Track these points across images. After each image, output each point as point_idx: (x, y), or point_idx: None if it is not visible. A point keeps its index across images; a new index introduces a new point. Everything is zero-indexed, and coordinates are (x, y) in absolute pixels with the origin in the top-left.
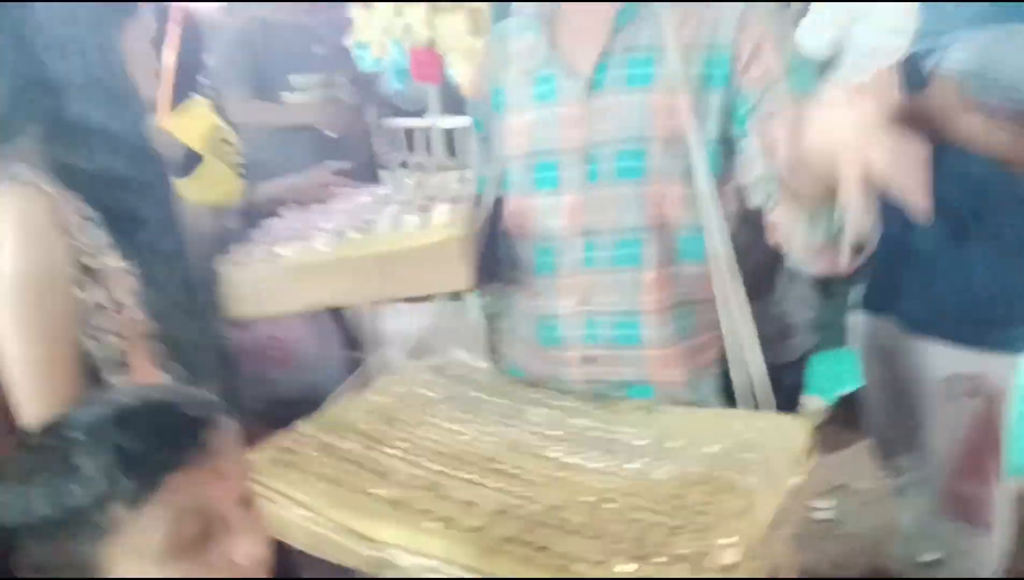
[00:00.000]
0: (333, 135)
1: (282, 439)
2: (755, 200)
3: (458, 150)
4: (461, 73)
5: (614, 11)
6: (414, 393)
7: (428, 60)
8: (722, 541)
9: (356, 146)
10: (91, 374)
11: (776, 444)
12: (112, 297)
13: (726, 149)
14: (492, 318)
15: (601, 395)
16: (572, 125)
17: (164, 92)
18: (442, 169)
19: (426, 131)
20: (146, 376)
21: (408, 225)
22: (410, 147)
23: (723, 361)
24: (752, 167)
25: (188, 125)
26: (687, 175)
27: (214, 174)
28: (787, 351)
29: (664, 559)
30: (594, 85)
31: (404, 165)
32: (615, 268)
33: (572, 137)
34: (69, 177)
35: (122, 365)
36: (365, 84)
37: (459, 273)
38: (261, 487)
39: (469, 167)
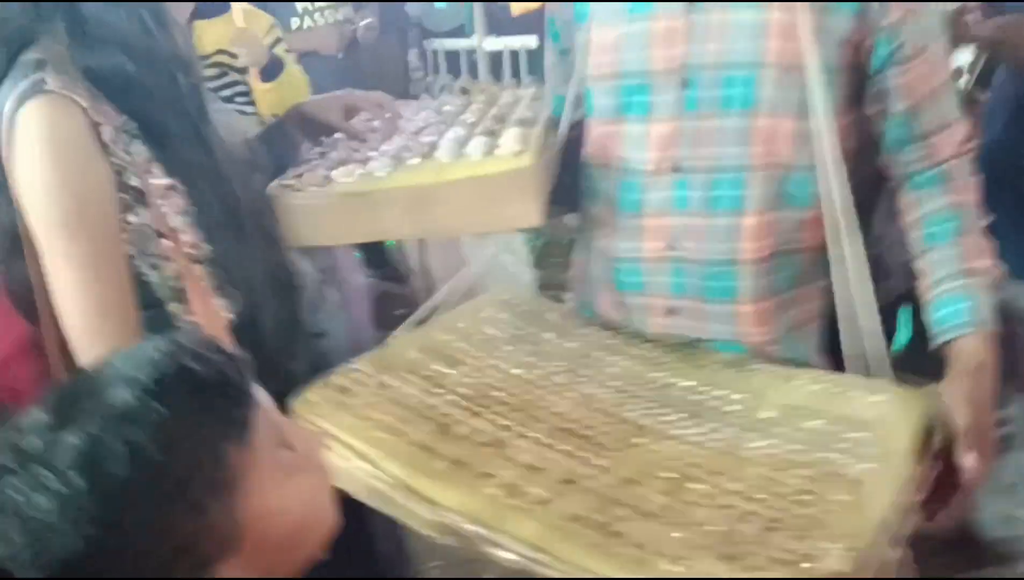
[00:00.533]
0: (338, 55)
1: (339, 377)
2: (887, 141)
3: (504, 73)
4: None
5: None
6: (480, 331)
7: None
8: (827, 545)
9: (389, 74)
10: (152, 304)
11: (891, 423)
12: (162, 219)
13: (846, 79)
14: (561, 255)
15: (686, 346)
16: (669, 43)
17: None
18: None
19: (470, 53)
20: (205, 305)
21: (473, 151)
22: (454, 72)
23: (826, 317)
24: (892, 104)
25: (252, 31)
26: (802, 107)
27: (293, 78)
28: (881, 294)
29: (759, 561)
30: None
31: (448, 90)
32: (711, 210)
33: (669, 56)
34: (99, 84)
35: (181, 294)
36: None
37: (529, 208)
38: (317, 430)
39: (542, 84)
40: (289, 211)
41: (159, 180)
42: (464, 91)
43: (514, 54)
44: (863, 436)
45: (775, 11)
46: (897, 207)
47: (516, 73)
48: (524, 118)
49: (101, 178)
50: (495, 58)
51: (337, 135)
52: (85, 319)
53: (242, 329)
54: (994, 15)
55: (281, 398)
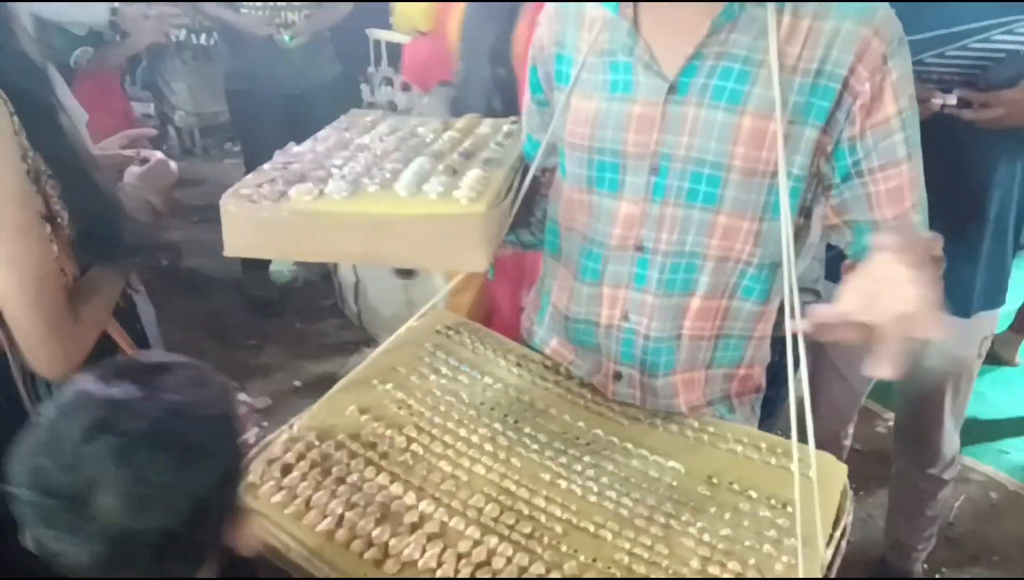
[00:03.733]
0: (287, 44)
1: (279, 448)
2: (836, 240)
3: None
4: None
5: (713, 9)
6: (420, 377)
7: None
8: None
9: (324, 61)
10: None
11: (813, 505)
12: (49, 204)
13: (809, 186)
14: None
15: (628, 406)
16: (645, 128)
17: None
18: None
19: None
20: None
21: (430, 190)
22: (395, 65)
23: (763, 392)
24: (851, 212)
25: None
26: (764, 209)
27: None
28: None
29: None
30: (677, 89)
31: (389, 83)
32: (666, 291)
33: (642, 141)
34: None
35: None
36: None
37: (476, 254)
38: (263, 520)
39: (516, 119)
40: (241, 221)
41: (40, 164)
42: (406, 87)
43: None
44: (785, 524)
45: (747, 117)
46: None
47: None
48: (491, 159)
49: (18, 163)
50: None
51: (302, 147)
52: (25, 298)
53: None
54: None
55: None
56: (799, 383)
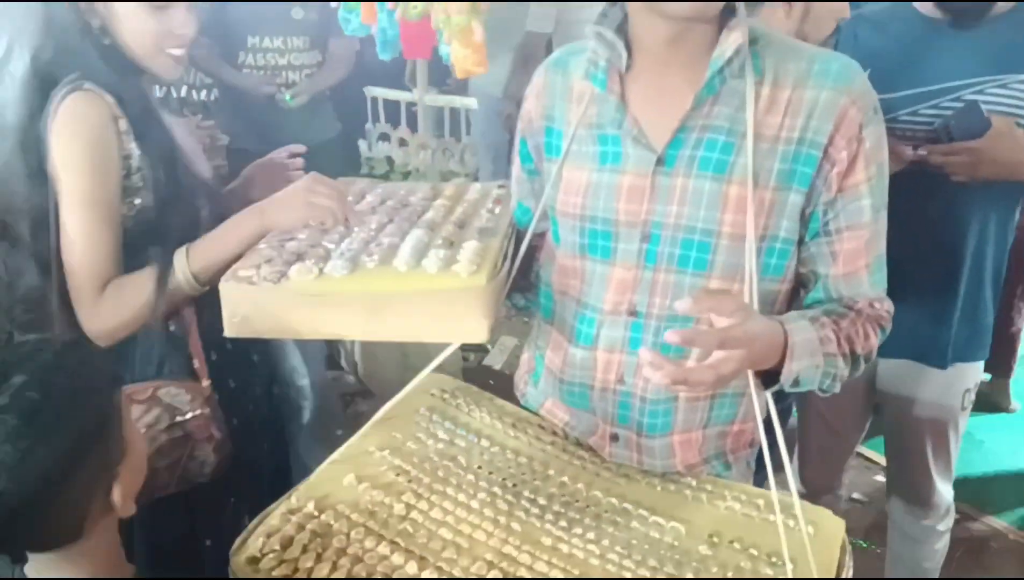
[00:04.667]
0: (288, 103)
1: (278, 520)
2: (809, 293)
3: (444, 130)
4: (453, 52)
5: (697, 82)
6: (417, 442)
7: (420, 35)
8: None
9: (324, 120)
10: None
11: (809, 561)
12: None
13: (798, 249)
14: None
15: (625, 467)
16: (635, 198)
17: None
18: (426, 149)
19: (411, 105)
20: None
21: (431, 263)
22: (392, 121)
23: (757, 446)
24: (814, 265)
25: None
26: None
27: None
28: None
29: None
30: (665, 161)
31: (386, 139)
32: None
33: (633, 211)
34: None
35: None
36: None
37: (477, 325)
38: None
39: (504, 184)
40: (242, 304)
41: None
42: (403, 143)
43: (455, 112)
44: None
45: (733, 185)
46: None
47: (456, 132)
48: (485, 228)
49: (114, 158)
50: (436, 113)
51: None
52: (86, 269)
53: None
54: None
55: None
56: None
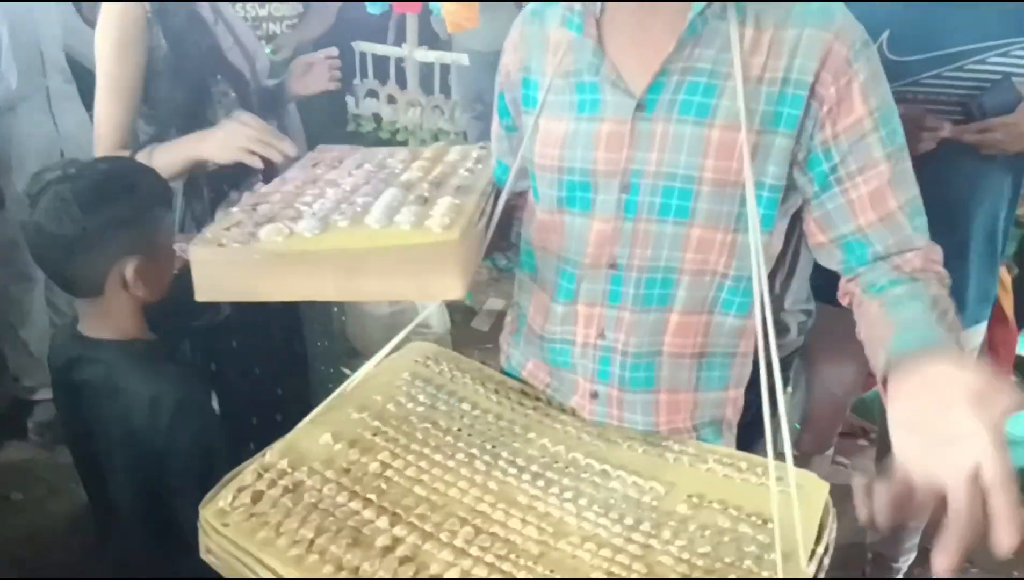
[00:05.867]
0: (271, 57)
1: (250, 476)
2: (827, 261)
3: (433, 86)
4: (444, 6)
5: (678, 25)
6: (397, 405)
7: None
8: None
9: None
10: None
11: (794, 521)
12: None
13: (789, 197)
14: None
15: (608, 430)
16: (614, 146)
17: None
18: (415, 106)
19: (399, 61)
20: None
21: (403, 220)
22: (380, 77)
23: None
24: (836, 227)
25: None
26: (737, 221)
27: None
28: (780, 350)
29: None
30: (645, 106)
31: (374, 95)
32: (642, 307)
33: (612, 159)
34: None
35: None
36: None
37: (452, 282)
38: (234, 548)
39: (485, 145)
40: (211, 266)
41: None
42: (391, 99)
43: (445, 68)
44: (766, 540)
45: (716, 129)
46: (860, 317)
47: (445, 89)
48: (462, 186)
49: (135, 44)
50: (425, 69)
51: (270, 187)
52: (99, 136)
53: None
54: (966, 119)
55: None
56: (772, 396)
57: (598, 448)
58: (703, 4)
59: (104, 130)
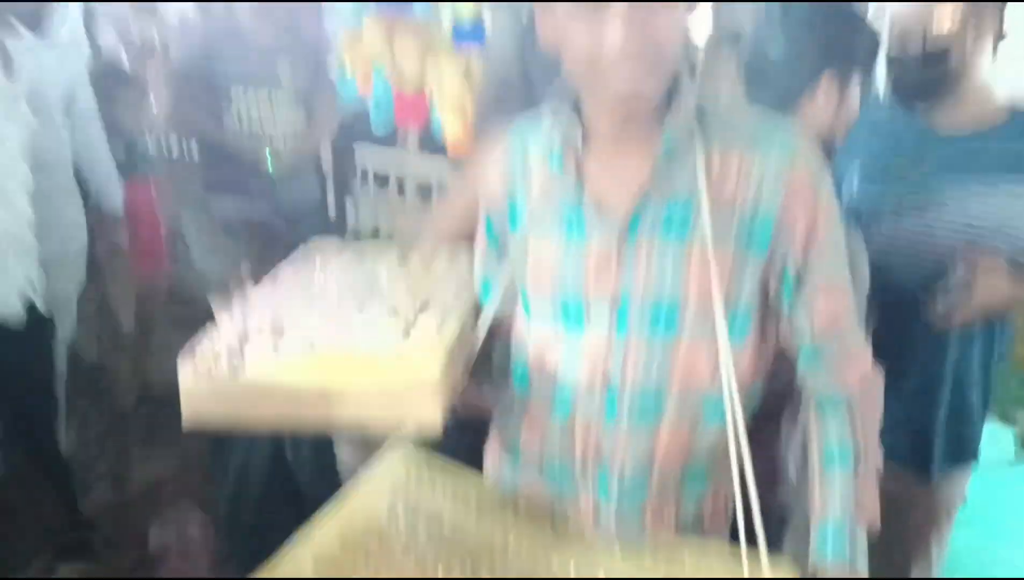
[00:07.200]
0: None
1: None
2: (800, 366)
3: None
4: (445, 121)
5: (655, 150)
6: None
7: (415, 104)
8: None
9: (306, 183)
10: None
11: None
12: None
13: (761, 314)
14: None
15: (597, 539)
16: (602, 271)
17: None
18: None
19: (399, 167)
20: None
21: (385, 346)
22: (380, 182)
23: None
24: (800, 338)
25: None
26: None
27: None
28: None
29: None
30: (628, 230)
31: (373, 201)
32: (635, 424)
33: (602, 283)
34: None
35: None
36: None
37: (430, 417)
38: None
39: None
40: (197, 394)
41: None
42: (389, 206)
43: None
44: None
45: (696, 247)
46: (803, 419)
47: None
48: (446, 307)
49: None
50: (424, 177)
51: (260, 293)
52: None
53: None
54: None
55: None
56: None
57: (589, 560)
58: (673, 131)
59: None
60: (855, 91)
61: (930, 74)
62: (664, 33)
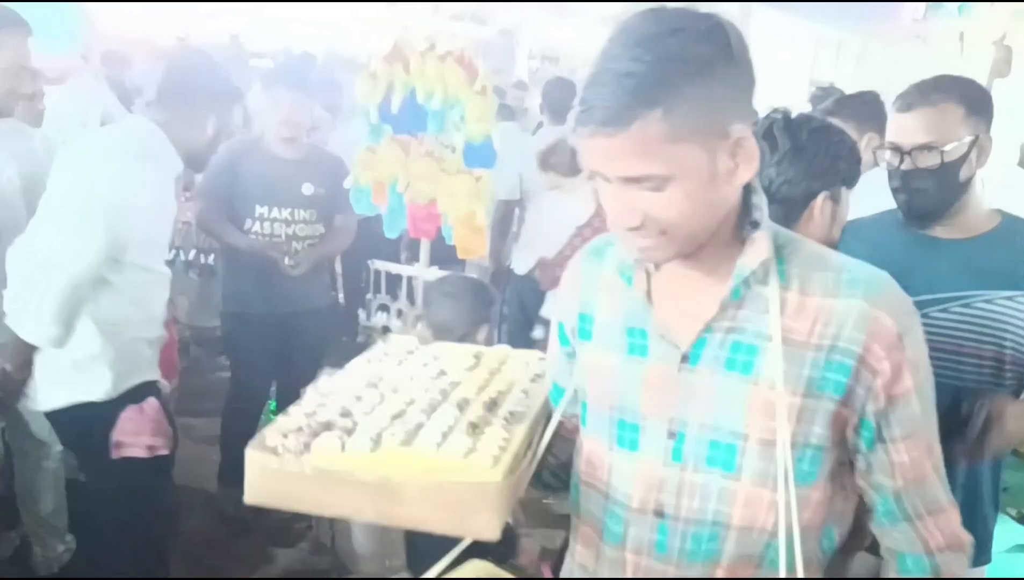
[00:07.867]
0: (292, 270)
1: None
2: (878, 518)
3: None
4: (456, 234)
5: (722, 285)
6: None
7: (427, 217)
8: None
9: (319, 288)
10: None
11: None
12: None
13: (833, 455)
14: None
15: None
16: (661, 391)
17: None
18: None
19: (411, 278)
20: None
21: (452, 448)
22: (392, 293)
23: None
24: (879, 488)
25: None
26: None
27: None
28: None
29: None
30: (690, 359)
31: (385, 309)
32: (688, 562)
33: (660, 404)
34: None
35: None
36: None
37: (490, 523)
38: None
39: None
40: (262, 473)
41: None
42: (400, 314)
43: None
44: None
45: (760, 387)
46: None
47: None
48: (515, 411)
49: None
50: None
51: (333, 384)
52: None
53: None
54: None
55: None
56: None
57: None
58: (746, 272)
59: None
60: (845, 205)
61: (942, 188)
62: (663, 208)
